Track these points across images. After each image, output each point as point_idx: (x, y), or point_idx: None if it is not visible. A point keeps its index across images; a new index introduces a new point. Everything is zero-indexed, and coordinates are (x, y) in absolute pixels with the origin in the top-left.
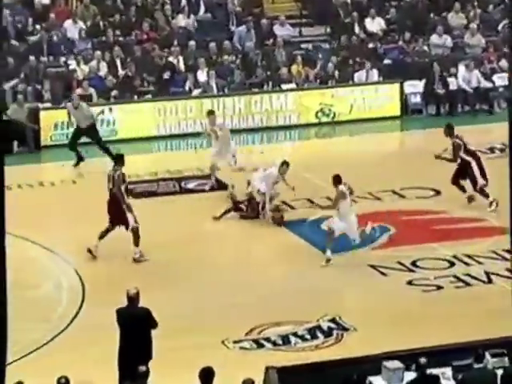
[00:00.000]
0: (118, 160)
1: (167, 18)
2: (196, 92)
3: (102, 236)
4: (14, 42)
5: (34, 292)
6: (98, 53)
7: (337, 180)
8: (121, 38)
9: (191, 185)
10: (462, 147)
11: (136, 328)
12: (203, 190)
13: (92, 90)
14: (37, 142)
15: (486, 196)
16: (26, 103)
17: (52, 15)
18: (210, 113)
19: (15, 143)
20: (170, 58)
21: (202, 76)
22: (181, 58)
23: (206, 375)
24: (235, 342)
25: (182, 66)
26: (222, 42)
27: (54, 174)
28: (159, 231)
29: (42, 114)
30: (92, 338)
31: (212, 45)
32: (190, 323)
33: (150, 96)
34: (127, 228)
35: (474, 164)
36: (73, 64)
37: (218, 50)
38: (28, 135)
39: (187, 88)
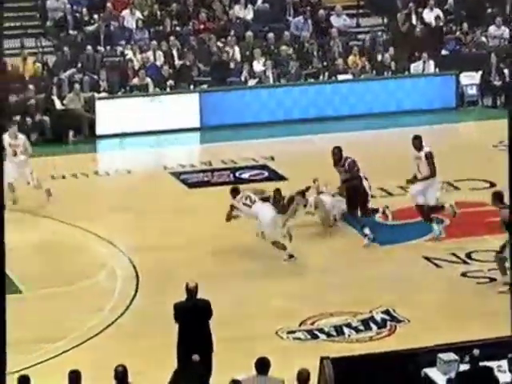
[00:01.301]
0: None
1: (224, 8)
2: (252, 82)
3: None
4: (71, 31)
5: (88, 281)
6: (155, 42)
7: None
8: (178, 28)
9: (246, 175)
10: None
11: (197, 321)
12: (258, 181)
13: (148, 80)
14: (92, 132)
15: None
16: (82, 93)
17: (109, 5)
18: None
19: (71, 132)
20: (227, 48)
21: (258, 66)
22: (237, 48)
23: (262, 365)
24: (289, 332)
25: (238, 56)
26: (278, 32)
27: (109, 164)
28: (212, 220)
29: (98, 103)
30: (144, 329)
31: (270, 35)
32: (241, 313)
33: (205, 86)
34: None
35: None
36: (129, 54)
37: (276, 40)
38: (84, 124)
39: (243, 78)
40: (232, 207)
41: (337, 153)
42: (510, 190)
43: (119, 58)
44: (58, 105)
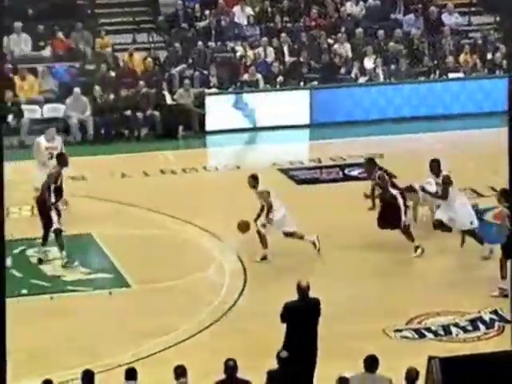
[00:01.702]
0: (58, 159)
1: (336, 5)
2: (362, 79)
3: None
4: (183, 27)
5: (197, 276)
6: (265, 39)
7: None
8: (288, 25)
9: (355, 172)
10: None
11: (306, 320)
12: (367, 178)
13: (259, 76)
14: (202, 127)
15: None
16: (192, 88)
17: (221, 1)
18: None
19: (181, 127)
20: (337, 45)
21: (368, 63)
22: (347, 45)
23: (371, 363)
24: (396, 330)
25: (349, 53)
26: (388, 29)
27: (219, 159)
28: (321, 217)
29: (208, 99)
30: (251, 324)
31: (380, 32)
32: (345, 311)
33: (315, 83)
34: (49, 228)
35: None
36: (240, 50)
37: (386, 37)
38: (194, 120)
39: (353, 75)
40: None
41: (367, 165)
42: (510, 191)
43: (230, 53)
44: (169, 100)
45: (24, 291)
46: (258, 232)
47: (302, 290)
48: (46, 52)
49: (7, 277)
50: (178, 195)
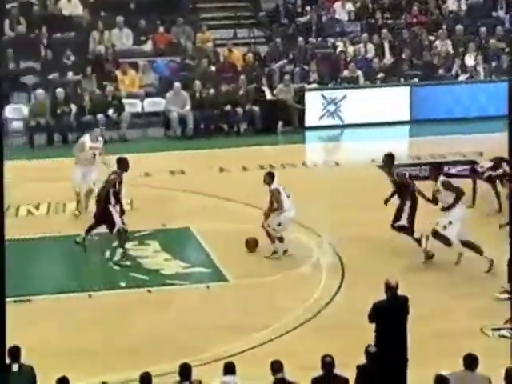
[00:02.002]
0: (118, 163)
1: (437, 2)
2: (463, 77)
3: (88, 230)
4: (284, 22)
5: (294, 272)
6: (366, 35)
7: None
8: (389, 21)
9: (454, 170)
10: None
11: (396, 319)
12: (465, 176)
13: (359, 73)
14: (301, 123)
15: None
16: (292, 84)
17: None
18: None
19: (280, 123)
20: (438, 42)
21: (469, 61)
22: (448, 42)
23: (471, 361)
24: (494, 329)
25: (450, 50)
26: (490, 26)
27: (318, 155)
28: (421, 216)
29: (308, 94)
30: (346, 321)
31: (482, 29)
32: (444, 309)
33: (416, 80)
34: (112, 229)
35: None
36: (340, 46)
37: (488, 34)
38: (293, 115)
39: (454, 73)
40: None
41: (386, 160)
42: (509, 193)
43: (330, 49)
44: (269, 95)
45: (122, 284)
46: (265, 227)
47: (391, 289)
48: (148, 46)
49: (106, 269)
50: None
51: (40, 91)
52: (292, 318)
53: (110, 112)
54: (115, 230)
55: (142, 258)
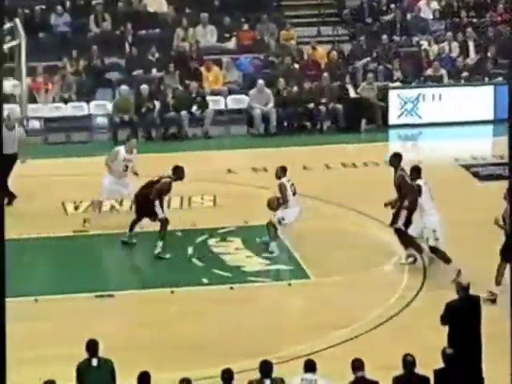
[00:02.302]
0: (174, 171)
1: None
2: None
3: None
4: (368, 20)
5: (376, 271)
6: (450, 34)
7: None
8: (474, 20)
9: None
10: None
11: (471, 319)
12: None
13: (443, 71)
14: (385, 121)
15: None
16: (376, 82)
17: None
18: None
19: (363, 121)
20: None
21: None
22: None
23: None
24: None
25: None
26: None
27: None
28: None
29: (391, 92)
30: (427, 322)
31: None
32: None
33: (500, 79)
34: (155, 219)
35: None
36: (425, 44)
37: None
38: (376, 113)
39: None
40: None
41: (392, 160)
42: (509, 195)
43: (414, 48)
44: (352, 93)
45: (205, 280)
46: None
47: (463, 289)
48: (231, 43)
49: (189, 266)
50: (359, 188)
51: (124, 87)
52: (373, 317)
53: (194, 109)
54: (158, 219)
55: (224, 255)
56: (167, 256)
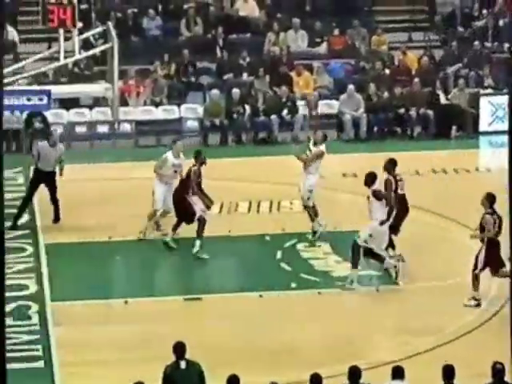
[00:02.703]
0: (196, 157)
1: None
2: None
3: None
4: (459, 26)
5: (467, 277)
6: None
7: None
8: None
9: None
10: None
11: None
12: None
13: None
14: (475, 127)
15: None
16: (467, 88)
17: (500, 0)
18: None
19: (454, 127)
20: None
21: None
22: None
23: None
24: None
25: None
26: None
27: (492, 161)
28: None
29: (482, 99)
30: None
31: None
32: None
33: None
34: (192, 220)
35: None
36: None
37: None
38: (467, 120)
39: None
40: None
41: (387, 166)
42: (510, 197)
43: (506, 54)
44: (443, 99)
45: (293, 285)
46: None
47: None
48: (322, 48)
49: (277, 270)
50: (448, 195)
51: (215, 91)
52: (463, 323)
53: (284, 113)
54: (195, 219)
55: (313, 260)
56: (204, 256)
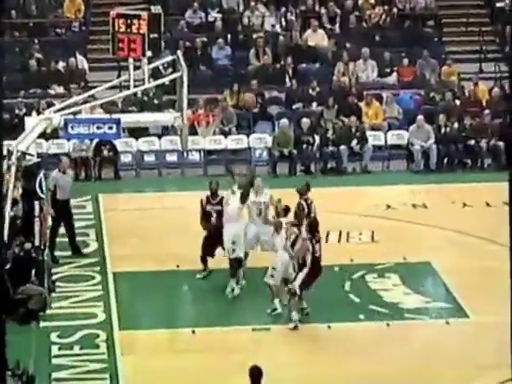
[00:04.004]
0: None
1: None
2: None
3: None
4: None
5: None
6: None
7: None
8: None
9: None
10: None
11: None
12: None
13: None
14: None
15: None
16: None
17: None
18: None
19: None
20: None
21: None
22: None
23: None
24: None
25: None
26: None
27: None
28: None
29: None
30: None
31: None
32: None
33: None
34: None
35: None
36: None
37: None
38: None
39: None
40: None
41: (301, 189)
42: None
43: None
44: None
45: (361, 316)
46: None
47: None
48: (392, 78)
49: (346, 301)
50: None
51: (284, 121)
52: None
53: (353, 143)
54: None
55: (381, 291)
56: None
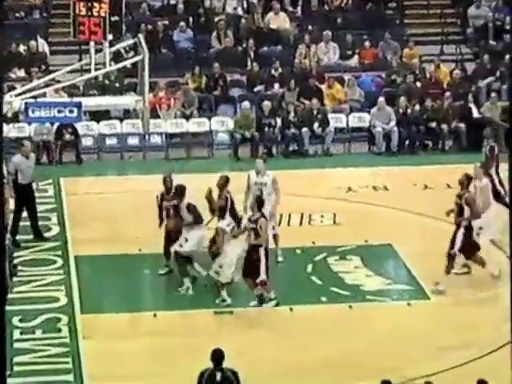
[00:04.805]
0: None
1: None
2: None
3: None
4: (491, 40)
5: (501, 290)
6: None
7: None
8: None
9: None
10: None
11: None
12: None
13: None
14: (508, 141)
15: None
16: (499, 102)
17: None
18: None
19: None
20: None
21: None
22: None
23: None
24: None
25: None
26: None
27: None
28: None
29: None
30: None
31: None
32: None
33: None
34: None
35: None
36: None
37: None
38: (500, 134)
39: None
40: None
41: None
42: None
43: None
44: (475, 113)
45: (323, 299)
46: None
47: None
48: (354, 61)
49: (308, 284)
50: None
51: (246, 103)
52: (498, 336)
53: (315, 126)
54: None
55: (343, 273)
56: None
